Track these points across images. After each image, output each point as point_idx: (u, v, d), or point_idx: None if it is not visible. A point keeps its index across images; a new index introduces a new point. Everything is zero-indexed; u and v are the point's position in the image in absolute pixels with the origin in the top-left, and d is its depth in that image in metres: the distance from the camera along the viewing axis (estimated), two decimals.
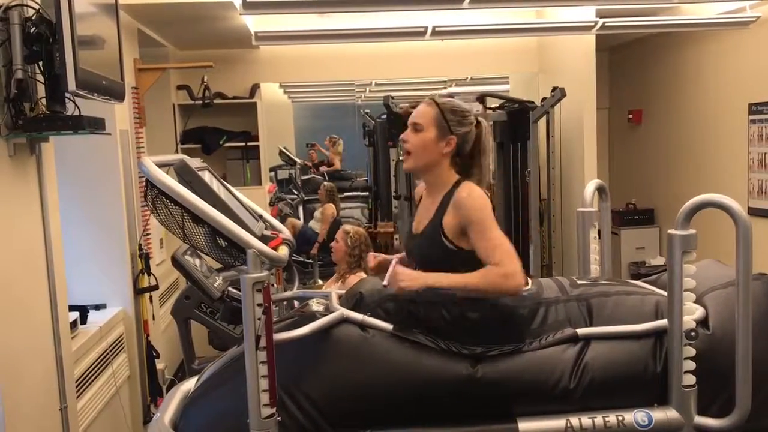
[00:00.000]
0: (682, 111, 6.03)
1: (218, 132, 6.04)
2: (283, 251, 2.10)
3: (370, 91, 9.29)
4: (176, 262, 2.59)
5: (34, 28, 2.37)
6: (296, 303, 2.84)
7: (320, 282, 6.67)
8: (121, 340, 3.86)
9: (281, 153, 8.50)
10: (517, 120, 5.46)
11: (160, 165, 2.00)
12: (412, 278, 2.06)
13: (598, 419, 2.04)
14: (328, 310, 2.19)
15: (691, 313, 2.08)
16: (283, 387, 1.98)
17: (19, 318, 2.55)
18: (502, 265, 2.02)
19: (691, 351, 2.03)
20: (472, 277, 2.04)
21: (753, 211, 4.86)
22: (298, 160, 8.72)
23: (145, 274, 4.11)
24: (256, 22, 5.11)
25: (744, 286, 1.99)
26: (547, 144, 5.41)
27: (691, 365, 2.03)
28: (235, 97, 5.99)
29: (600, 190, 2.85)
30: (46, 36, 2.37)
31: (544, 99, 5.34)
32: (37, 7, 2.42)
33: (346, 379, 2.03)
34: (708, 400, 2.07)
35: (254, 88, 6.07)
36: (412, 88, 8.18)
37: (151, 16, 4.43)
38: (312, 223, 7.59)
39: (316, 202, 7.86)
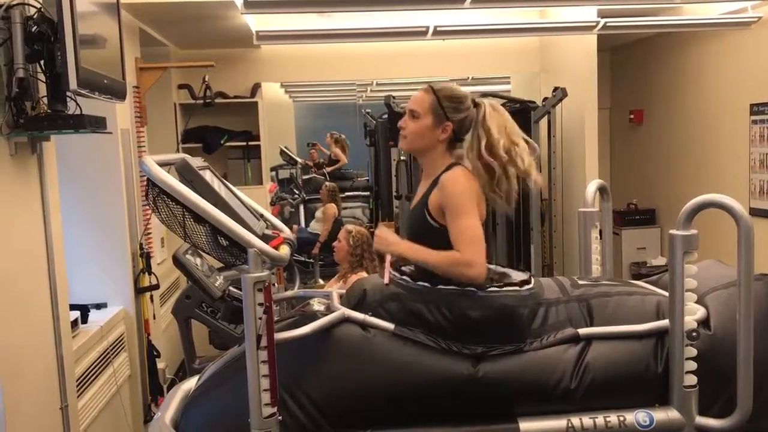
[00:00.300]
0: (684, 111, 6.03)
1: (219, 131, 6.04)
2: (284, 250, 2.10)
3: (371, 90, 9.29)
4: (177, 262, 2.59)
5: (35, 27, 2.36)
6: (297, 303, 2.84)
7: (321, 282, 6.67)
8: (122, 339, 3.86)
9: (282, 152, 8.49)
10: (519, 120, 5.35)
11: (162, 164, 2.00)
12: (385, 242, 2.20)
13: (599, 419, 2.04)
14: (329, 309, 2.19)
15: (693, 313, 2.07)
16: (284, 386, 1.97)
17: (20, 317, 2.55)
18: (463, 253, 2.07)
19: (693, 351, 2.03)
20: (435, 256, 2.11)
21: (754, 212, 4.86)
22: (299, 160, 8.72)
23: (146, 273, 4.11)
24: (257, 22, 5.11)
25: (745, 286, 1.98)
26: (549, 144, 5.41)
27: (692, 365, 2.03)
28: (236, 97, 5.99)
29: (601, 190, 2.85)
30: (47, 35, 2.37)
31: (545, 99, 5.34)
32: (38, 6, 2.41)
33: (347, 378, 2.03)
34: (709, 401, 2.07)
35: (255, 88, 6.07)
36: (413, 87, 8.15)
37: (152, 15, 4.43)
38: (313, 223, 7.59)
39: (317, 202, 7.86)
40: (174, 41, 5.47)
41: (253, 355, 1.87)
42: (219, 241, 2.02)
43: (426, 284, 2.12)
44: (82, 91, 2.41)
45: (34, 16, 2.39)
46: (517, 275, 2.24)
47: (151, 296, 4.23)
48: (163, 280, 4.55)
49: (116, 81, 2.81)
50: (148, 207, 2.09)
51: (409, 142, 2.27)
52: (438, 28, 4.82)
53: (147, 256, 4.11)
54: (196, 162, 2.19)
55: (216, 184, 2.21)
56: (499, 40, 5.94)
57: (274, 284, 2.07)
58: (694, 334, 2.02)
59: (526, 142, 2.27)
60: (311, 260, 7.22)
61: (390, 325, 2.08)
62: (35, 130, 2.51)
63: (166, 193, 1.96)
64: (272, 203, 7.09)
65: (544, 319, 2.14)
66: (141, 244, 4.09)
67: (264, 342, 1.87)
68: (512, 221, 5.61)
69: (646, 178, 6.73)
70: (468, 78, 7.24)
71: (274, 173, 8.26)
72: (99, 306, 3.81)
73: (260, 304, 1.87)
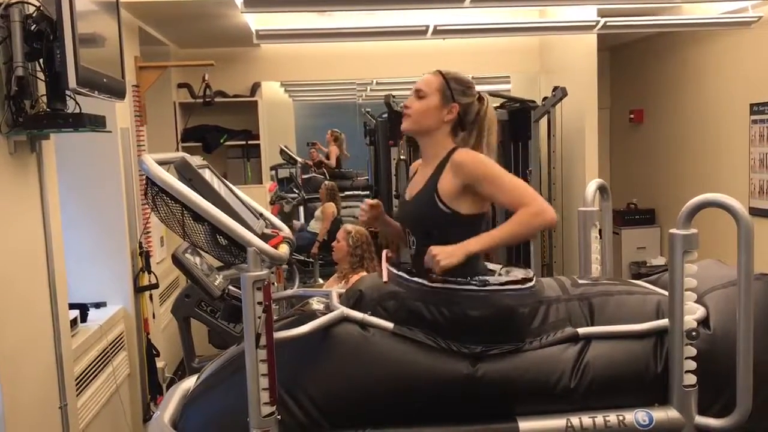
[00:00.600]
0: (684, 111, 6.03)
1: (219, 130, 6.04)
2: (284, 249, 2.09)
3: (371, 90, 9.29)
4: (176, 261, 2.58)
5: (34, 26, 2.36)
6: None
7: (321, 281, 6.66)
8: (121, 338, 3.86)
9: (282, 152, 8.49)
10: (519, 119, 5.45)
11: (161, 162, 2.00)
12: (450, 253, 2.03)
13: (599, 419, 2.03)
14: (328, 308, 2.19)
15: (692, 312, 2.07)
16: (283, 385, 1.97)
17: (19, 316, 2.55)
18: (530, 205, 2.05)
19: (692, 351, 2.03)
20: (509, 227, 2.06)
21: (754, 211, 4.86)
22: (298, 159, 8.72)
23: (146, 272, 4.11)
24: (257, 21, 5.11)
25: (745, 286, 1.98)
26: (549, 143, 5.41)
27: (692, 365, 2.02)
28: (236, 96, 5.99)
29: (601, 189, 2.85)
30: (46, 33, 2.37)
31: (545, 98, 5.34)
32: (37, 4, 2.41)
33: (346, 377, 2.03)
34: (709, 400, 2.07)
35: (255, 87, 6.07)
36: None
37: (152, 14, 4.43)
38: (312, 222, 7.59)
39: (316, 201, 7.86)
40: (173, 40, 5.47)
41: (252, 354, 1.87)
42: (218, 239, 2.01)
43: (422, 281, 2.11)
44: (82, 90, 2.41)
45: (34, 15, 2.38)
46: (520, 272, 2.23)
47: (151, 295, 4.22)
48: (163, 279, 4.55)
49: (116, 80, 2.81)
50: (147, 206, 2.09)
51: (413, 121, 2.23)
52: (438, 28, 4.82)
53: (146, 255, 4.11)
54: (196, 161, 2.19)
55: (215, 182, 2.20)
56: (498, 40, 5.94)
57: (273, 283, 2.07)
58: (693, 333, 2.02)
59: None
60: (310, 260, 7.22)
61: (389, 324, 2.08)
62: (34, 129, 2.51)
63: (165, 192, 1.96)
64: (272, 202, 7.09)
65: (543, 318, 2.13)
66: (140, 243, 4.09)
67: (263, 341, 1.87)
68: None
69: (646, 177, 6.73)
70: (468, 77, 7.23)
71: (273, 172, 8.26)
72: (98, 305, 3.81)
73: (259, 303, 1.86)
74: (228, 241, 1.98)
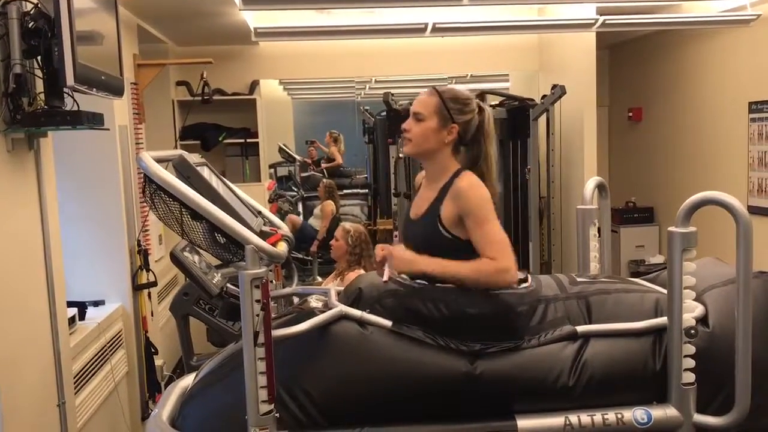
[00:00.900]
0: (682, 109, 6.03)
1: (217, 128, 6.03)
2: (282, 247, 2.09)
3: (369, 88, 9.28)
4: (175, 259, 2.58)
5: (32, 23, 2.36)
6: (295, 299, 2.84)
7: (319, 279, 6.66)
8: (120, 336, 3.86)
9: (281, 150, 8.49)
10: (517, 117, 5.45)
11: (159, 160, 1.99)
12: (407, 262, 2.10)
13: (597, 417, 2.03)
14: (326, 306, 2.19)
15: (691, 310, 2.07)
16: (281, 383, 1.97)
17: (17, 314, 2.54)
18: (497, 260, 2.04)
19: (691, 349, 2.03)
20: (465, 267, 2.05)
21: (753, 210, 4.86)
22: (297, 157, 8.72)
23: (144, 270, 4.10)
24: (255, 18, 5.10)
25: (744, 283, 1.98)
26: (547, 141, 5.41)
27: (690, 363, 2.02)
28: (234, 94, 5.98)
29: (600, 187, 2.85)
30: (44, 31, 2.36)
31: (544, 96, 5.33)
32: (35, 1, 2.40)
33: (345, 375, 2.02)
34: (707, 398, 2.07)
35: (254, 85, 6.06)
36: (412, 85, 8.18)
37: (150, 11, 4.42)
38: (311, 221, 7.59)
39: (315, 200, 7.86)
40: (172, 38, 5.46)
41: (250, 352, 1.87)
42: (216, 237, 2.01)
43: (424, 282, 2.12)
44: (80, 88, 2.40)
45: (31, 12, 2.38)
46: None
47: (149, 293, 4.22)
48: (161, 277, 4.55)
49: (114, 77, 2.80)
50: (145, 204, 2.09)
51: (415, 145, 2.22)
52: (437, 25, 4.81)
53: (145, 253, 4.11)
54: (194, 158, 2.19)
55: (214, 180, 2.20)
56: (498, 38, 5.94)
57: (271, 281, 2.07)
58: (692, 331, 2.02)
59: None
60: (309, 258, 7.22)
61: (387, 322, 2.08)
62: (32, 126, 2.50)
63: (163, 190, 1.95)
64: (270, 200, 7.09)
65: (542, 317, 2.13)
66: (139, 241, 4.09)
67: (261, 339, 1.87)
68: (511, 219, 5.62)
69: (645, 175, 6.73)
70: (467, 75, 7.25)
71: (272, 170, 8.26)
72: (96, 303, 3.80)
73: (257, 301, 1.86)
74: (226, 239, 1.98)
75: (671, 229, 2.03)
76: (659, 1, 5.15)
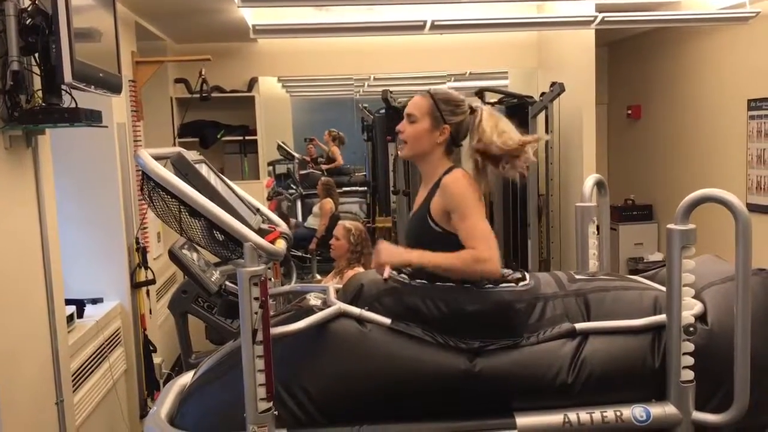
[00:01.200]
0: (681, 107, 6.02)
1: (216, 126, 6.02)
2: (281, 245, 2.09)
3: (368, 85, 9.28)
4: (173, 256, 2.58)
5: (30, 20, 2.35)
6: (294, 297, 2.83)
7: (318, 277, 6.67)
8: (118, 334, 3.85)
9: (279, 147, 8.49)
10: (516, 115, 5.42)
11: (157, 157, 1.99)
12: (393, 254, 2.12)
13: (596, 414, 2.03)
14: (325, 304, 2.19)
15: (690, 308, 2.07)
16: (279, 381, 1.97)
17: (15, 312, 2.54)
18: (478, 250, 2.06)
19: (690, 346, 2.03)
20: (449, 258, 2.08)
21: (752, 207, 4.86)
22: (296, 155, 8.71)
23: (142, 268, 4.10)
24: (253, 15, 5.09)
25: (743, 281, 1.98)
26: (546, 139, 5.39)
27: (689, 360, 2.02)
28: (233, 91, 5.97)
29: (599, 184, 2.84)
30: (42, 28, 2.35)
31: (543, 94, 5.33)
32: None
33: (344, 373, 2.02)
34: (706, 396, 2.07)
35: (252, 82, 6.05)
36: (411, 82, 8.17)
37: (148, 8, 4.41)
38: (310, 219, 7.59)
39: (314, 197, 7.86)
40: (170, 35, 5.45)
41: (248, 349, 1.86)
42: (215, 235, 2.01)
43: (424, 282, 2.12)
44: (78, 85, 2.39)
45: (29, 9, 2.37)
46: (512, 274, 2.24)
47: (147, 291, 4.22)
48: (160, 275, 4.55)
49: (112, 74, 2.79)
50: (144, 201, 2.08)
51: (409, 147, 2.28)
52: (435, 23, 4.80)
53: (143, 251, 4.10)
54: (192, 156, 2.18)
55: (212, 178, 2.20)
56: (496, 35, 5.93)
57: (270, 279, 2.06)
58: (691, 329, 2.02)
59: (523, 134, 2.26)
60: (308, 256, 7.22)
61: (386, 320, 2.08)
62: (30, 124, 2.49)
63: (161, 187, 1.95)
64: (269, 198, 7.08)
65: (541, 314, 2.13)
66: (137, 239, 4.08)
67: (260, 337, 1.86)
68: (510, 216, 5.62)
69: (644, 173, 6.73)
70: (466, 73, 7.24)
71: (271, 168, 8.25)
72: (95, 301, 3.80)
73: (256, 299, 1.86)
74: (225, 237, 1.98)
75: (670, 226, 2.03)
76: None
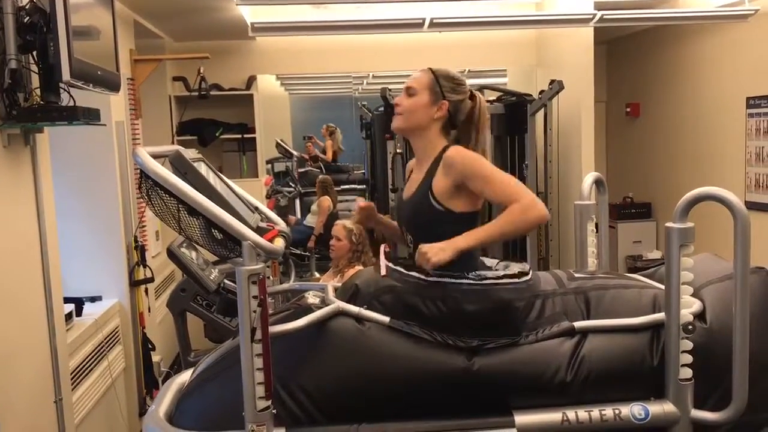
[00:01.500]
0: (680, 104, 6.02)
1: (215, 124, 6.02)
2: (279, 243, 2.08)
3: (367, 83, 9.27)
4: (172, 255, 2.58)
5: (27, 18, 2.34)
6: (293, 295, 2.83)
7: (317, 275, 6.66)
8: (117, 332, 3.85)
9: (278, 145, 8.47)
10: (515, 113, 5.44)
11: (155, 156, 1.99)
12: (441, 249, 2.01)
13: (595, 413, 2.03)
14: (324, 302, 2.18)
15: (689, 306, 2.07)
16: (278, 379, 1.97)
17: (13, 310, 2.54)
18: (521, 199, 2.03)
19: (688, 344, 2.03)
20: (498, 223, 2.04)
21: (750, 205, 4.86)
22: (294, 153, 8.69)
23: (141, 266, 4.10)
24: (252, 13, 5.09)
25: (742, 279, 1.98)
26: (545, 137, 5.40)
27: (688, 358, 2.02)
28: (231, 89, 5.97)
29: (598, 183, 2.84)
30: (40, 25, 2.35)
31: (541, 92, 5.32)
32: None
33: (342, 371, 2.02)
34: (705, 394, 2.07)
35: (251, 80, 6.04)
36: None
37: (147, 6, 4.41)
38: (309, 217, 7.58)
39: (313, 195, 7.85)
40: (169, 33, 5.45)
41: (247, 348, 1.86)
42: (213, 233, 2.00)
43: (420, 275, 2.11)
44: (76, 83, 2.39)
45: (27, 7, 2.36)
46: (516, 266, 2.23)
47: (146, 289, 4.22)
48: (158, 273, 4.54)
49: (110, 73, 2.79)
50: (142, 199, 2.08)
51: (404, 119, 2.22)
52: (434, 20, 4.80)
53: (142, 249, 4.10)
54: (191, 154, 2.18)
55: (210, 176, 2.19)
56: (495, 33, 5.93)
57: (268, 277, 2.06)
58: (690, 327, 2.02)
59: None
60: (307, 254, 7.21)
61: (385, 318, 2.07)
62: (28, 122, 2.49)
63: (160, 186, 1.95)
64: (268, 196, 7.08)
65: (540, 312, 2.13)
66: (136, 237, 4.08)
67: (258, 335, 1.86)
68: None
69: (642, 171, 6.73)
70: (465, 71, 7.22)
71: (269, 166, 8.24)
72: (93, 299, 3.80)
73: (255, 297, 1.85)
74: (223, 235, 1.98)
75: (669, 224, 2.03)
76: None
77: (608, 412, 2.03)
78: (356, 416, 2.01)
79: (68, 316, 3.20)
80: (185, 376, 2.35)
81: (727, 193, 1.98)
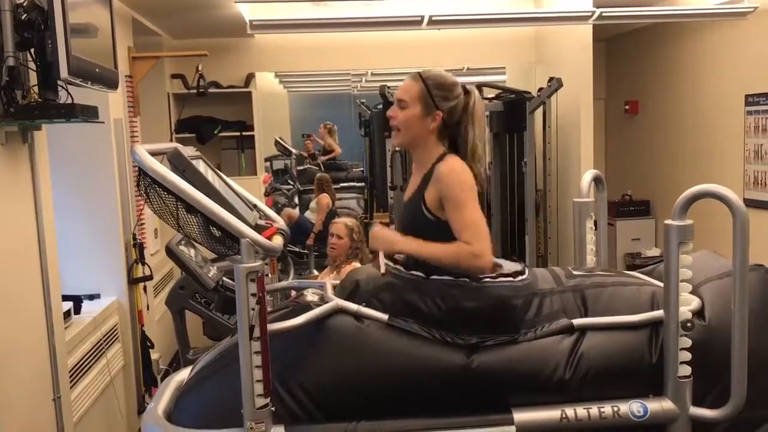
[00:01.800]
0: (679, 102, 6.02)
1: (213, 121, 6.01)
2: (277, 241, 2.08)
3: (366, 80, 9.26)
4: (170, 252, 2.58)
5: (25, 15, 2.34)
6: (292, 293, 2.83)
7: (316, 272, 6.66)
8: (115, 330, 3.85)
9: (277, 143, 8.46)
10: (514, 110, 5.44)
11: (153, 153, 1.98)
12: (386, 242, 2.16)
13: (594, 410, 2.03)
14: (322, 300, 2.18)
15: (687, 303, 2.07)
16: (277, 377, 1.97)
17: (11, 308, 2.53)
18: (471, 244, 2.05)
19: (687, 342, 2.03)
20: (442, 250, 2.08)
21: (749, 203, 4.86)
22: (293, 151, 8.69)
23: (140, 263, 4.10)
24: (251, 11, 5.08)
25: (740, 276, 1.98)
26: (544, 134, 5.39)
27: (686, 356, 2.02)
28: (230, 87, 5.96)
29: (596, 180, 2.84)
30: (37, 23, 2.34)
31: (540, 89, 5.32)
32: None
33: (341, 369, 2.02)
34: (703, 391, 2.07)
35: (249, 78, 6.04)
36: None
37: (145, 4, 4.40)
38: (307, 214, 7.58)
39: (312, 193, 7.84)
40: (167, 30, 5.44)
41: (246, 345, 1.86)
42: (212, 231, 2.00)
43: (419, 274, 2.11)
44: (74, 80, 2.38)
45: (24, 4, 2.36)
46: (511, 266, 2.24)
47: (145, 287, 4.21)
48: (157, 270, 4.54)
49: (108, 70, 2.78)
50: (140, 197, 2.08)
51: (402, 135, 2.24)
52: (433, 18, 4.80)
53: (140, 247, 4.10)
54: (189, 152, 2.17)
55: (209, 174, 2.19)
56: (494, 30, 5.92)
57: (267, 275, 2.06)
58: (688, 324, 2.02)
59: None
60: (306, 251, 7.21)
61: (384, 316, 2.07)
62: (26, 120, 2.49)
63: (158, 183, 1.95)
64: (266, 194, 7.07)
65: (538, 310, 2.13)
66: (134, 235, 4.08)
67: (257, 333, 1.86)
68: (507, 212, 5.61)
69: (641, 168, 6.73)
70: (463, 68, 7.23)
71: (268, 164, 8.24)
72: (92, 297, 3.80)
73: (253, 295, 1.85)
74: (221, 233, 1.98)
75: (668, 222, 2.03)
76: None
77: (607, 409, 2.03)
78: (355, 414, 2.01)
79: (67, 314, 3.19)
80: (184, 374, 2.34)
81: (726, 190, 1.98)
